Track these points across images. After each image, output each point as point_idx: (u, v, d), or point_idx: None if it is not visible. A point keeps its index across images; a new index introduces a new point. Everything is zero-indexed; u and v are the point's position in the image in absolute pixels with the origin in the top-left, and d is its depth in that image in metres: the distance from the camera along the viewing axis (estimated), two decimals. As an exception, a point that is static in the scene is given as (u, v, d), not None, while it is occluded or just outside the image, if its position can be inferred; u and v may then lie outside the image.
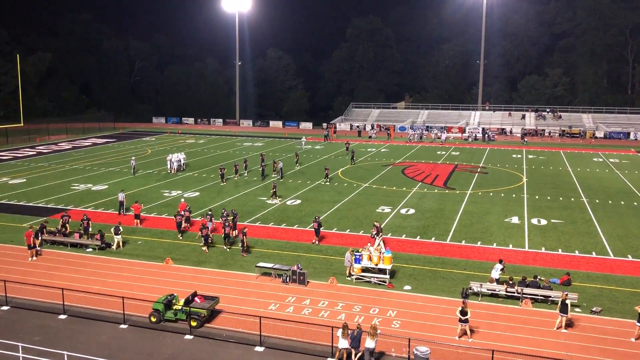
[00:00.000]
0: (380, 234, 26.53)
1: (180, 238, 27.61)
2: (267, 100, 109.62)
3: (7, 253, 26.04)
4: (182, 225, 28.29)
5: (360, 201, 36.55)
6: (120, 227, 27.62)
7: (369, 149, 63.07)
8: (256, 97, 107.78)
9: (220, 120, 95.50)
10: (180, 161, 46.78)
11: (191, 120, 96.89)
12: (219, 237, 27.86)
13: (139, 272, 23.90)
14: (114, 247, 26.74)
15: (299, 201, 36.48)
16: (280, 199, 36.11)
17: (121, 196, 32.72)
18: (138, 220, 30.18)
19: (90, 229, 27.76)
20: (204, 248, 26.23)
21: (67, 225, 28.25)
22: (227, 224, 26.93)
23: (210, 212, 28.97)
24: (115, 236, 26.97)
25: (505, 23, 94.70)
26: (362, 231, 29.34)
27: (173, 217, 31.30)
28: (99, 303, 20.47)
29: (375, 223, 26.93)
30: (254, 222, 31.34)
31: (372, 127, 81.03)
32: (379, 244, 24.65)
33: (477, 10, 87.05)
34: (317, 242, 27.52)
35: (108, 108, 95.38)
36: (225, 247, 26.77)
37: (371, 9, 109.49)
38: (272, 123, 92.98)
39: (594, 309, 20.60)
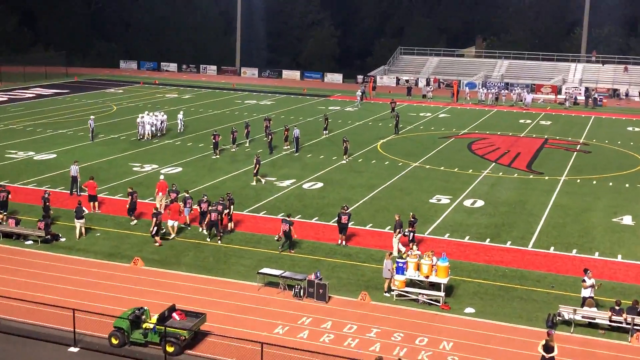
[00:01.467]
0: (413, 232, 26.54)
1: (169, 238, 28.01)
2: (280, 40, 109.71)
3: None
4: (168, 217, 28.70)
5: (407, 187, 36.62)
6: (85, 209, 28.17)
7: (421, 114, 62.80)
8: (265, 36, 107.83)
9: (214, 67, 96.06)
10: (155, 125, 47.17)
11: (173, 66, 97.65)
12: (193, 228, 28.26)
13: (97, 275, 24.32)
14: (77, 235, 27.41)
15: (320, 184, 36.68)
16: (264, 179, 36.40)
17: (74, 169, 33.24)
18: (94, 203, 30.68)
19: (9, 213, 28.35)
20: (157, 240, 27.03)
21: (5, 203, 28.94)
22: (212, 207, 27.60)
23: (188, 194, 29.45)
24: (77, 221, 27.55)
25: None
26: (408, 229, 29.36)
27: (155, 204, 31.67)
28: (42, 317, 20.87)
29: (410, 218, 26.89)
30: (256, 212, 31.62)
31: (428, 83, 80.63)
32: (411, 245, 24.74)
33: None
34: (343, 243, 27.66)
35: (58, 46, 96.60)
36: (208, 239, 27.66)
37: None
38: (285, 73, 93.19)
39: None
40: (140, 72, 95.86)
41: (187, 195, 29.74)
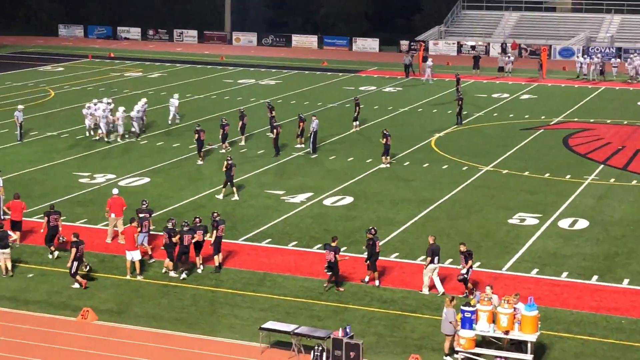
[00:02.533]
0: (470, 267, 26.53)
1: (140, 276, 28.18)
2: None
3: None
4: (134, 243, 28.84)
5: (476, 202, 36.62)
6: (12, 234, 28.48)
7: (495, 94, 62.70)
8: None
9: (194, 33, 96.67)
10: (110, 118, 47.11)
11: (135, 32, 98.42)
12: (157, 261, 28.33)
13: (31, 335, 24.46)
14: (1, 271, 27.69)
15: (348, 199, 36.78)
16: (234, 193, 36.61)
17: (-5, 182, 33.49)
18: (14, 234, 30.76)
19: None
20: (79, 281, 27.35)
21: None
22: (186, 228, 28.01)
23: (171, 221, 29.40)
24: (1, 252, 27.83)
25: None
26: (478, 263, 29.23)
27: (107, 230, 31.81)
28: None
29: (461, 247, 26.87)
30: (256, 240, 31.74)
31: (504, 50, 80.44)
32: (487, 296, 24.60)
33: None
34: (376, 282, 27.65)
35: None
36: (173, 272, 28.05)
37: None
38: (297, 39, 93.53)
39: None
40: (89, 40, 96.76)
41: (147, 216, 29.85)
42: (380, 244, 28.33)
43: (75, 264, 27.23)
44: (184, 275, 28.08)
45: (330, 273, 27.23)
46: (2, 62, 77.68)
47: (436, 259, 27.13)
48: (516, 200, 36.79)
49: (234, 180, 36.85)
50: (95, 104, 47.82)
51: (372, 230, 28.05)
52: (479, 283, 27.01)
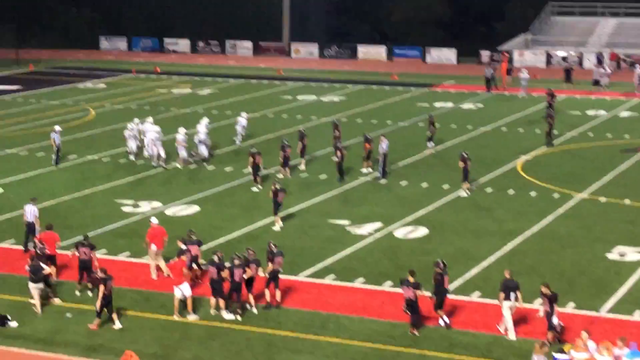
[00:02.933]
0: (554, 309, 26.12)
1: (176, 317, 28.37)
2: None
3: None
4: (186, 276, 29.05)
5: (569, 234, 36.31)
6: (44, 267, 28.68)
7: (590, 112, 62.15)
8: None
9: (248, 45, 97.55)
10: (149, 139, 47.30)
11: (184, 44, 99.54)
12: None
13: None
14: (37, 308, 27.86)
15: (422, 230, 36.72)
16: (276, 223, 36.76)
17: (30, 212, 33.97)
18: (53, 268, 31.09)
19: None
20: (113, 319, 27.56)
21: None
22: (237, 262, 28.11)
23: (218, 254, 29.43)
24: (32, 286, 28.13)
25: None
26: (572, 304, 28.83)
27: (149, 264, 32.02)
28: None
29: (543, 289, 26.46)
30: (319, 276, 31.77)
31: (600, 62, 79.69)
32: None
33: None
34: (445, 322, 27.49)
35: (4, 18, 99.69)
36: (224, 312, 28.01)
37: None
38: (363, 50, 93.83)
39: None
40: (133, 54, 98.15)
41: (185, 247, 29.99)
42: (461, 280, 28.11)
43: (102, 303, 27.39)
44: (233, 316, 28.08)
45: (411, 313, 27.01)
46: (38, 79, 79.09)
47: (512, 295, 26.88)
48: (616, 233, 36.28)
49: (282, 208, 37.12)
50: (137, 124, 48.29)
51: (441, 263, 27.87)
52: (564, 327, 26.59)
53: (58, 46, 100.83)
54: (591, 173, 45.48)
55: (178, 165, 46.54)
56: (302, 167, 46.18)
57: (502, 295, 26.93)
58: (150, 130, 47.05)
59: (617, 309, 28.82)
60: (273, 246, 29.35)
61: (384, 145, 44.26)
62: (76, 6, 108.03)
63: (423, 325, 27.40)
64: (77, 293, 30.11)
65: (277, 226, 36.77)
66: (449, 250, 34.16)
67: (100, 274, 27.75)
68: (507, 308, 26.89)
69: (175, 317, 28.16)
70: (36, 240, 31.97)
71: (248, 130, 53.02)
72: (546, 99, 58.67)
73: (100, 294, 27.29)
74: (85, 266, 30.17)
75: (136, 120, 49.34)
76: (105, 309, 27.52)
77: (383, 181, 43.92)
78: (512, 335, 26.76)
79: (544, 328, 26.99)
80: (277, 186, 36.78)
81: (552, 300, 26.23)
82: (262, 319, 28.00)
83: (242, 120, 52.00)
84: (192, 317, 28.11)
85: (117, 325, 27.48)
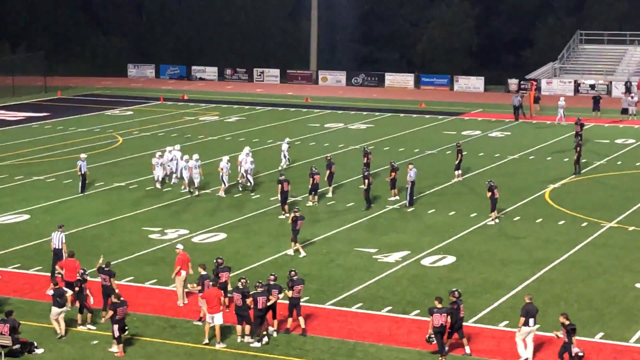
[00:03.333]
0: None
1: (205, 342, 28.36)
2: (382, 27, 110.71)
3: None
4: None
5: (598, 263, 36.06)
6: (67, 291, 28.77)
7: (619, 140, 61.74)
8: (356, 20, 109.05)
9: (276, 72, 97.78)
10: (191, 167, 46.91)
11: (211, 72, 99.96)
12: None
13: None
14: (59, 331, 28.08)
15: (450, 259, 36.61)
16: (293, 249, 36.90)
17: (57, 238, 34.02)
18: (72, 296, 31.10)
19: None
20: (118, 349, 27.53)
21: None
22: (260, 289, 28.12)
23: (242, 280, 29.34)
24: (55, 310, 28.18)
25: None
26: (601, 333, 28.56)
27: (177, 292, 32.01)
28: None
29: (562, 319, 26.20)
30: (345, 305, 31.59)
31: (629, 89, 79.29)
32: None
33: None
34: (466, 350, 27.29)
35: (33, 44, 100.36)
36: (249, 338, 28.07)
37: None
38: (391, 78, 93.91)
39: None
40: (160, 81, 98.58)
41: (243, 280, 29.87)
42: (488, 309, 27.95)
43: (116, 327, 27.41)
44: (259, 343, 28.01)
45: (438, 341, 26.82)
46: (66, 105, 79.53)
47: (531, 320, 26.78)
48: (645, 261, 36.05)
49: (300, 236, 37.09)
50: (169, 152, 48.45)
51: (456, 292, 27.77)
52: (583, 357, 26.28)
53: (86, 73, 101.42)
54: (620, 202, 45.19)
55: (222, 194, 46.27)
56: (330, 194, 46.12)
57: (522, 319, 26.84)
58: (195, 158, 46.95)
59: (648, 340, 28.56)
60: (293, 273, 29.35)
61: (412, 173, 44.15)
62: (104, 34, 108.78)
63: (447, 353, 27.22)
64: (103, 320, 30.15)
65: (302, 252, 36.73)
66: (476, 279, 34.00)
67: (113, 299, 27.93)
68: (524, 332, 26.82)
69: (206, 341, 28.12)
70: (57, 267, 32.17)
71: (272, 157, 53.16)
72: (574, 128, 58.46)
73: (113, 319, 27.35)
74: (107, 292, 30.20)
75: (169, 148, 49.55)
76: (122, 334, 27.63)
77: (410, 209, 43.82)
78: (529, 355, 26.82)
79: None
80: (297, 214, 36.79)
81: (570, 331, 25.96)
82: (289, 347, 27.89)
83: (285, 145, 52.68)
84: (219, 346, 28.08)
85: (114, 349, 27.66)
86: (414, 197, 44.68)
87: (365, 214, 43.04)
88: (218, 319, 28.18)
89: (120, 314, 27.47)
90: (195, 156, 46.98)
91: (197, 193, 46.03)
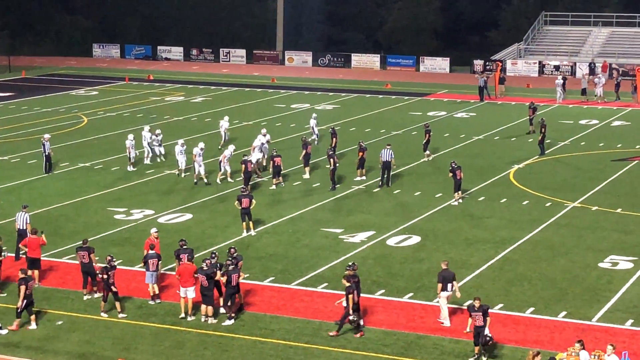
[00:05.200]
0: None
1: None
2: (348, 7, 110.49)
3: None
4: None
5: (561, 242, 36.33)
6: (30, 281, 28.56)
7: (582, 122, 62.02)
8: (323, 3, 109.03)
9: (242, 53, 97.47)
10: (195, 154, 45.29)
11: (177, 52, 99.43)
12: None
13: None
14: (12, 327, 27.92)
15: (415, 239, 36.80)
16: (245, 229, 36.78)
17: (22, 219, 33.95)
18: (34, 272, 31.07)
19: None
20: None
21: None
22: (234, 270, 28.36)
23: (207, 262, 29.37)
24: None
25: None
26: (564, 312, 28.83)
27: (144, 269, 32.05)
28: None
29: (475, 303, 26.36)
30: (312, 285, 31.69)
31: (592, 70, 79.79)
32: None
33: None
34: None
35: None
36: (212, 319, 28.26)
37: None
38: (357, 59, 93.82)
39: None
40: (126, 61, 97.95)
41: (213, 254, 29.96)
42: (452, 288, 28.12)
43: (25, 302, 27.52)
44: (231, 321, 28.15)
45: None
46: (31, 85, 79.00)
47: (449, 286, 27.77)
48: (608, 241, 36.27)
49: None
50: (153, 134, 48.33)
51: (354, 265, 28.15)
52: (492, 339, 26.46)
53: (51, 53, 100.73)
54: (583, 182, 45.48)
55: (218, 181, 45.10)
56: (307, 175, 45.92)
57: (440, 286, 27.81)
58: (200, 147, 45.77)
59: (609, 318, 28.76)
60: (233, 250, 29.64)
61: (387, 153, 44.02)
62: (69, 13, 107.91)
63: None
64: (85, 298, 30.19)
65: (245, 232, 36.94)
66: (441, 258, 33.91)
67: (20, 274, 27.91)
68: (444, 298, 27.81)
69: (188, 318, 28.50)
70: (21, 246, 32.10)
71: (239, 138, 53.08)
72: (529, 110, 57.76)
73: (22, 295, 27.43)
74: (87, 270, 30.31)
75: (147, 127, 50.01)
76: (25, 310, 27.76)
77: (379, 190, 43.89)
78: (447, 323, 27.82)
79: (535, 335, 27.05)
80: (243, 193, 37.11)
81: (484, 313, 26.04)
82: (255, 327, 27.96)
83: (313, 121, 53.61)
84: (190, 319, 28.43)
85: (33, 326, 27.71)
86: (388, 178, 44.51)
87: (331, 194, 43.08)
88: (191, 293, 28.44)
89: (30, 288, 27.66)
90: (201, 144, 45.74)
91: (206, 181, 44.96)
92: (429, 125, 51.66)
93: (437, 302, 28.65)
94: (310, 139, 50.89)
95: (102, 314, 28.79)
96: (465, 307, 27.37)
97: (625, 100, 69.17)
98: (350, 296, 27.06)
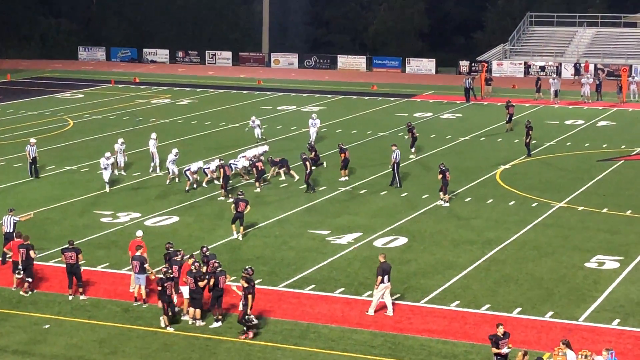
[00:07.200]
0: None
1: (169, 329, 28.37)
2: (334, 9, 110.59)
3: None
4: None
5: (547, 243, 36.40)
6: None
7: (567, 122, 62.11)
8: (309, 4, 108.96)
9: (228, 55, 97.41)
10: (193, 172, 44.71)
11: (163, 54, 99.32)
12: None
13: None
14: None
15: (402, 240, 36.83)
16: (234, 233, 36.69)
17: (8, 222, 33.85)
18: (22, 277, 31.00)
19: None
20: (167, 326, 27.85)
21: None
22: (222, 272, 28.30)
23: (195, 264, 29.31)
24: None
25: None
26: (551, 313, 28.90)
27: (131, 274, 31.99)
28: None
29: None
30: (299, 287, 31.73)
31: (578, 70, 79.95)
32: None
33: None
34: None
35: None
36: (200, 321, 28.29)
37: None
38: (343, 60, 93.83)
39: None
40: (112, 64, 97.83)
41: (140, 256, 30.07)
42: (440, 290, 28.22)
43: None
44: (218, 323, 28.15)
45: None
46: (16, 89, 78.69)
47: (386, 277, 28.46)
48: (594, 241, 36.35)
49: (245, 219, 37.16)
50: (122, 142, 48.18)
51: (250, 270, 27.89)
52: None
53: (36, 56, 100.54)
54: (569, 182, 45.56)
55: (204, 185, 44.78)
56: (345, 178, 45.80)
57: (379, 278, 28.43)
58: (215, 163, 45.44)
59: (596, 318, 28.86)
60: (205, 249, 29.77)
61: (396, 154, 44.21)
62: (54, 16, 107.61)
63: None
64: (70, 297, 30.14)
65: (235, 235, 36.83)
66: (428, 259, 34.21)
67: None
68: (381, 289, 28.53)
69: (186, 317, 28.67)
70: (5, 249, 32.04)
71: (225, 140, 53.02)
72: (506, 110, 58.14)
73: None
74: (72, 270, 30.22)
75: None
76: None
77: (395, 188, 44.23)
78: (371, 312, 28.77)
79: (522, 336, 27.08)
80: (239, 196, 36.97)
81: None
82: (241, 329, 27.94)
83: (315, 122, 54.04)
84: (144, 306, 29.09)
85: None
86: (400, 177, 44.72)
87: (317, 196, 43.05)
88: (185, 292, 28.50)
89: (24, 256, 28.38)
90: (175, 150, 45.59)
91: (205, 185, 44.77)
92: (411, 123, 51.95)
93: (372, 294, 29.39)
94: (310, 139, 51.65)
95: (169, 328, 28.08)
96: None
97: (610, 100, 69.31)
98: (250, 296, 27.06)
